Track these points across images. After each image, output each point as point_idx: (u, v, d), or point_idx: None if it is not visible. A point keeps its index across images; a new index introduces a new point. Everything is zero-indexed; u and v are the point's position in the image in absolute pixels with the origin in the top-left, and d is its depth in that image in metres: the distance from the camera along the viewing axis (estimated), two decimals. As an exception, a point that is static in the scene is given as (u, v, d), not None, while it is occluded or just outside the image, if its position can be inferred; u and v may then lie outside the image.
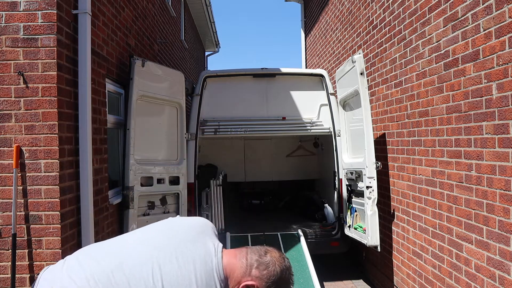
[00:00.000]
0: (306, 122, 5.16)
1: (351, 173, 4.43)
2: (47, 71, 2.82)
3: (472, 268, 2.76)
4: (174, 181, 4.51)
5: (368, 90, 4.32)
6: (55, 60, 2.83)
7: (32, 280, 2.85)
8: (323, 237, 4.93)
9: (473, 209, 2.74)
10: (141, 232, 1.30)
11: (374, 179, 3.88)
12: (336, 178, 4.96)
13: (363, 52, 4.62)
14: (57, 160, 2.83)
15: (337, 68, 4.94)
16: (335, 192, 5.04)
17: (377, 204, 3.93)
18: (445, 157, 3.10)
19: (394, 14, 4.00)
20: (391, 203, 4.23)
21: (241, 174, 7.01)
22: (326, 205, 5.52)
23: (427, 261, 3.46)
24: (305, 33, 9.13)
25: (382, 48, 4.35)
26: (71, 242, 2.98)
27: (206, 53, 14.57)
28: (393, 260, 4.22)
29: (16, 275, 2.80)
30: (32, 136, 2.83)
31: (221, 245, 1.23)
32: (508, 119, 2.37)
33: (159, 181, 4.34)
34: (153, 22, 5.74)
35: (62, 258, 2.96)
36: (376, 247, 3.93)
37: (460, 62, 2.87)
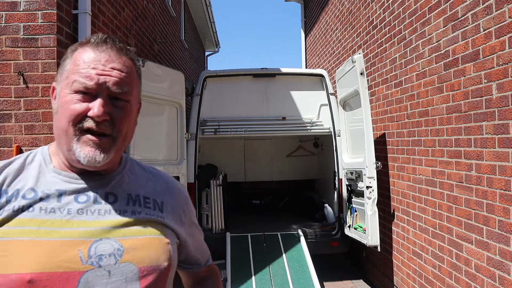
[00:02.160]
0: (306, 122, 5.16)
1: (351, 173, 4.43)
2: (47, 71, 2.82)
3: (472, 268, 2.76)
4: (174, 181, 4.50)
5: (368, 90, 4.32)
6: (55, 60, 2.83)
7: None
8: (323, 237, 4.92)
9: (473, 209, 2.74)
10: None
11: (374, 179, 3.89)
12: (336, 178, 4.96)
13: (363, 52, 4.62)
14: (57, 160, 2.82)
15: (337, 68, 4.94)
16: (335, 192, 5.04)
17: (377, 204, 3.93)
18: (445, 157, 3.10)
19: (394, 14, 4.00)
20: (391, 203, 4.23)
21: (241, 174, 7.00)
22: (326, 205, 5.52)
23: (427, 261, 3.46)
24: (305, 33, 9.12)
25: (382, 48, 4.35)
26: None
27: (206, 53, 14.56)
28: (393, 260, 4.22)
29: (16, 275, 2.79)
30: (32, 136, 2.83)
31: None
32: (508, 119, 2.37)
33: (159, 181, 4.33)
34: (153, 22, 5.74)
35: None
36: (376, 247, 3.93)
37: (460, 62, 2.87)
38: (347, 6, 5.63)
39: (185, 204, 1.06)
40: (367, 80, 4.49)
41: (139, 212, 0.93)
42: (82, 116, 0.85)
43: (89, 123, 0.85)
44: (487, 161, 2.58)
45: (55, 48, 2.83)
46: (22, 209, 0.83)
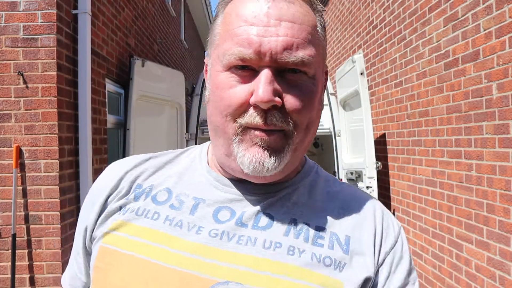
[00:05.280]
0: None
1: (351, 173, 4.43)
2: (47, 71, 2.82)
3: (472, 268, 2.76)
4: (174, 181, 4.50)
5: (368, 90, 4.32)
6: (55, 60, 2.82)
7: (32, 280, 2.85)
8: None
9: (473, 209, 2.73)
10: None
11: (374, 179, 3.88)
12: (336, 178, 4.96)
13: (363, 52, 4.61)
14: (57, 160, 2.82)
15: (337, 68, 4.93)
16: (335, 192, 5.03)
17: (377, 204, 3.93)
18: (445, 157, 3.09)
19: (394, 14, 3.99)
20: (391, 203, 4.22)
21: None
22: (326, 205, 5.51)
23: (427, 261, 3.46)
24: (305, 33, 9.12)
25: (382, 48, 4.35)
26: (71, 243, 2.98)
27: (206, 53, 14.55)
28: (393, 260, 4.22)
29: (16, 276, 2.79)
30: (32, 136, 2.82)
31: None
32: (508, 119, 2.37)
33: (159, 181, 4.33)
34: (153, 22, 5.74)
35: (62, 258, 2.90)
36: (376, 247, 3.93)
37: (460, 62, 2.87)
38: (347, 6, 5.63)
39: (389, 239, 0.65)
40: (367, 80, 4.49)
41: (301, 251, 0.59)
42: (244, 107, 0.57)
43: (253, 119, 0.56)
44: (487, 161, 2.58)
45: (55, 48, 2.83)
46: (145, 214, 0.63)
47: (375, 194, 3.88)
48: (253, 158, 0.57)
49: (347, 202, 0.67)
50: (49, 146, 2.82)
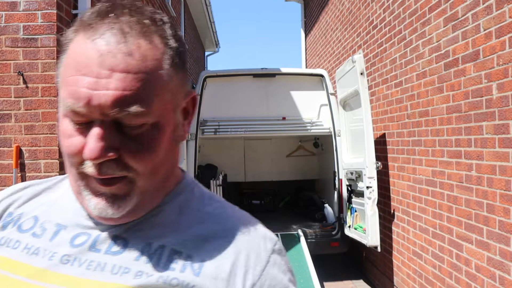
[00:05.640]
0: (306, 122, 5.16)
1: (351, 173, 4.43)
2: (47, 71, 2.82)
3: (472, 268, 2.76)
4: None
5: (368, 90, 4.32)
6: (55, 60, 2.82)
7: (32, 280, 2.84)
8: (323, 237, 4.92)
9: (473, 209, 2.73)
10: None
11: (374, 179, 3.88)
12: (336, 178, 4.96)
13: (363, 52, 4.61)
14: (57, 160, 2.82)
15: (337, 68, 4.94)
16: (335, 192, 5.04)
17: (377, 204, 3.93)
18: (445, 157, 3.09)
19: (394, 14, 4.00)
20: (391, 203, 4.23)
21: (241, 174, 7.00)
22: (326, 205, 5.51)
23: (427, 261, 3.46)
24: (305, 33, 9.12)
25: (382, 48, 4.35)
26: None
27: (206, 53, 14.55)
28: (393, 260, 4.22)
29: (16, 275, 2.79)
30: (32, 136, 2.82)
31: None
32: (508, 119, 2.37)
33: (159, 181, 4.33)
34: (153, 22, 5.73)
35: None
36: (376, 247, 3.93)
37: (460, 62, 2.87)
38: (347, 6, 5.63)
39: (258, 263, 0.60)
40: (367, 80, 4.49)
41: (148, 275, 0.57)
42: (81, 157, 0.55)
43: (88, 169, 0.55)
44: (487, 161, 2.58)
45: (55, 48, 2.83)
46: (8, 243, 0.62)
47: (375, 194, 3.88)
48: (96, 205, 0.57)
49: (215, 224, 0.63)
50: (49, 146, 2.82)
